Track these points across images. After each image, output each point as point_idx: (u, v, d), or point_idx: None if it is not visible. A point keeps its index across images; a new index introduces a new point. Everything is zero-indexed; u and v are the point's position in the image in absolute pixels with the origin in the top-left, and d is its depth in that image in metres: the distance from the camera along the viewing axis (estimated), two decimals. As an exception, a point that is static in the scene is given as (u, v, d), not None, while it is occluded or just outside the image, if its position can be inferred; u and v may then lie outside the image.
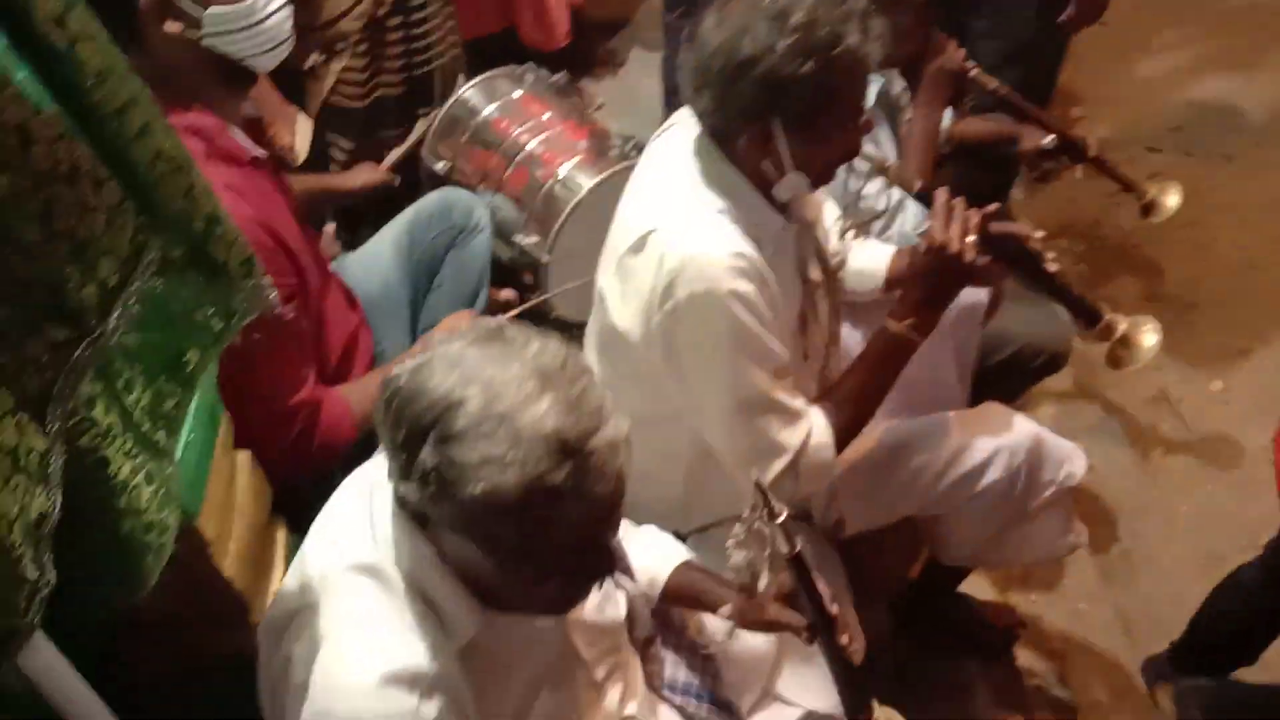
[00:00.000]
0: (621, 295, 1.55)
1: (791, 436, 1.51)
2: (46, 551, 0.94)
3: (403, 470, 0.97)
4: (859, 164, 1.66)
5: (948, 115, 2.17)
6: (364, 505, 1.10)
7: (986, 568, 2.17)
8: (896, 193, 2.09)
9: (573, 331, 1.90)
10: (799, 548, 1.17)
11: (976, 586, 2.19)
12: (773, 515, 1.15)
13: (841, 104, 1.43)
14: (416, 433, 0.94)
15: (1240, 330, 2.89)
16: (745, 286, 1.42)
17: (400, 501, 1.03)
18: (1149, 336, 1.77)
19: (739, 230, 1.45)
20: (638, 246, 1.48)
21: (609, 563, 1.05)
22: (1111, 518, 2.45)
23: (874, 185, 2.10)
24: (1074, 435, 1.88)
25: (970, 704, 2.03)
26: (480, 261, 2.22)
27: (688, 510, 1.69)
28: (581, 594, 1.09)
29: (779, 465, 1.50)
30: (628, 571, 1.36)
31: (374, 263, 2.17)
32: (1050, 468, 1.74)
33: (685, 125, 1.56)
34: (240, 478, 1.62)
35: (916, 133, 2.07)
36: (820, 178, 1.52)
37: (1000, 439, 1.70)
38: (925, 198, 1.64)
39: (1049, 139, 2.30)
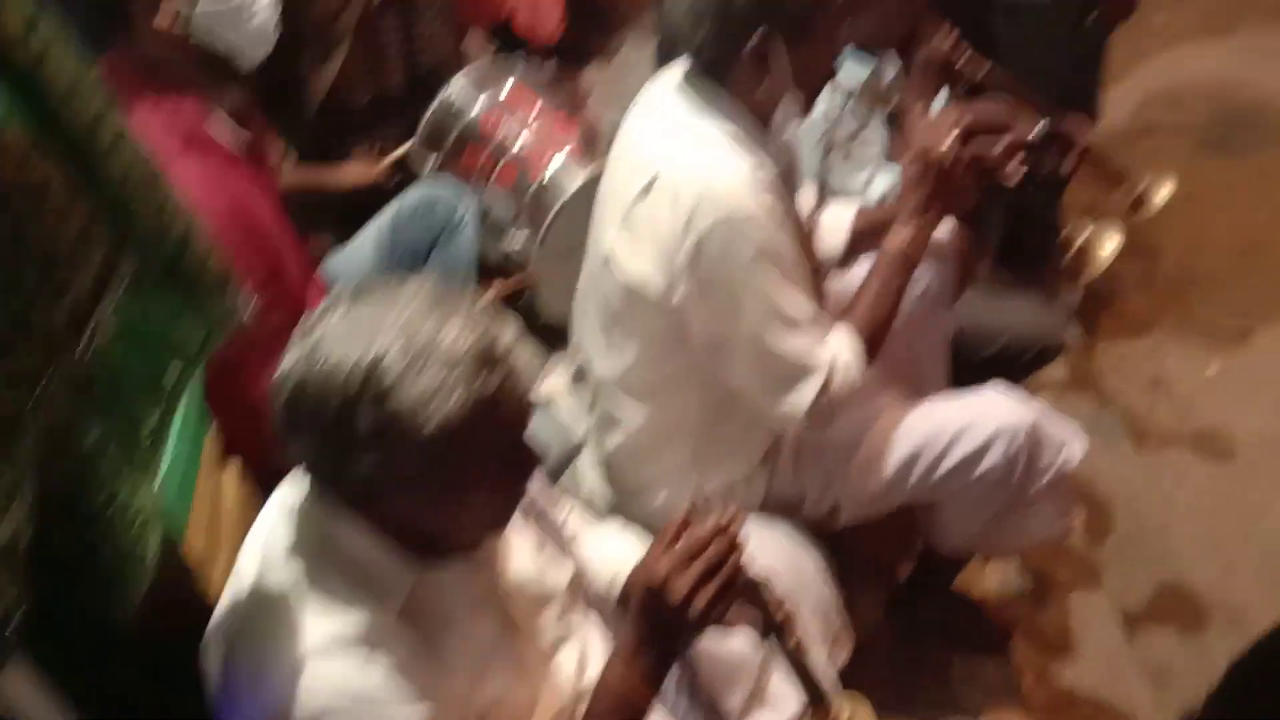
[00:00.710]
0: (632, 246, 1.54)
1: (823, 353, 1.54)
2: (20, 573, 0.93)
3: (340, 451, 0.96)
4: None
5: (942, 98, 2.14)
6: (276, 509, 1.11)
7: (983, 554, 2.16)
8: (869, 169, 2.09)
9: (565, 338, 1.89)
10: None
11: (971, 581, 2.19)
12: None
13: None
14: (347, 404, 0.94)
15: (1238, 311, 2.87)
16: (766, 203, 1.45)
17: (335, 489, 1.03)
18: (1109, 244, 1.81)
19: (747, 152, 1.48)
20: (645, 191, 1.49)
21: (535, 455, 1.07)
22: (1108, 506, 2.43)
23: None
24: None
25: (962, 697, 2.02)
26: (465, 261, 2.20)
27: (696, 478, 1.68)
28: (520, 495, 1.12)
29: (814, 384, 1.53)
30: (569, 544, 1.34)
31: (355, 261, 2.15)
32: (1049, 451, 1.72)
33: (663, 82, 1.58)
34: (228, 495, 1.61)
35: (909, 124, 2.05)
36: (813, 91, 1.55)
37: (1000, 422, 1.68)
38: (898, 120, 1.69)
39: (1040, 127, 2.27)
